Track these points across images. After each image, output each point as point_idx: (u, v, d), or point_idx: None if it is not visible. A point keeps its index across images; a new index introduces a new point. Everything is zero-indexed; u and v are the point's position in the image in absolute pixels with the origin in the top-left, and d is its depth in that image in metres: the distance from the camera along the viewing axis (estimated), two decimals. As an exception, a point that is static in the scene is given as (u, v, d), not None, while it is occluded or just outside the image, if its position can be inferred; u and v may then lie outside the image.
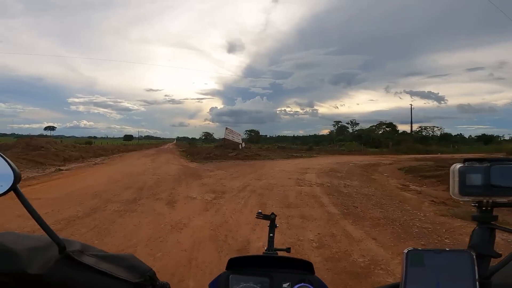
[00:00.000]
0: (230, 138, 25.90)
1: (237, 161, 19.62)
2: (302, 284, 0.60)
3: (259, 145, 46.09)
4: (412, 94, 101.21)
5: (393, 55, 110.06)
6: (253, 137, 78.81)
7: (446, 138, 59.27)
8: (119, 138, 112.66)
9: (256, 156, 22.98)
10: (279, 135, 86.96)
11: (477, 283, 0.49)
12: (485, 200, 0.59)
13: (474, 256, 0.52)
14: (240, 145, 25.57)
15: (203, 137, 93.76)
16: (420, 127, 63.79)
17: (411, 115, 55.47)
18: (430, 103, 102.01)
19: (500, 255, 0.56)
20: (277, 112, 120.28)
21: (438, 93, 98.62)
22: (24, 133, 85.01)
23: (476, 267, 0.51)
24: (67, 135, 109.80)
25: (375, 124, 65.14)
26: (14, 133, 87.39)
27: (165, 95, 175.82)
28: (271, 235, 1.12)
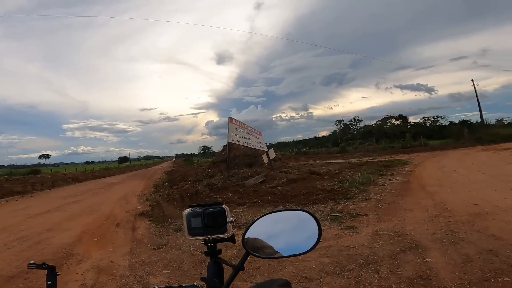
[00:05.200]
0: (242, 141, 12.23)
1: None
2: None
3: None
4: (402, 87, 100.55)
5: (379, 51, 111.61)
6: (254, 145, 68.55)
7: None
8: (116, 161, 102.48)
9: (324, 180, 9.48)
10: (278, 142, 79.39)
11: None
12: (207, 238, 0.79)
13: None
14: (266, 155, 12.10)
15: (201, 151, 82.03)
16: (423, 117, 59.06)
17: (477, 98, 40.19)
18: (421, 95, 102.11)
19: (221, 287, 0.73)
20: (273, 119, 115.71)
21: (427, 85, 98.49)
22: (22, 163, 74.50)
23: None
24: (66, 162, 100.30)
25: (380, 119, 61.12)
26: (13, 164, 76.38)
27: (160, 113, 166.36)
28: (49, 283, 0.88)
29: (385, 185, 8.25)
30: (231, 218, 0.80)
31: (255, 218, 0.81)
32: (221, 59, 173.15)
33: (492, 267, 2.74)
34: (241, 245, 0.79)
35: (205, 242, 0.80)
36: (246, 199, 7.59)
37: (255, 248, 0.78)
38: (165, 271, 3.57)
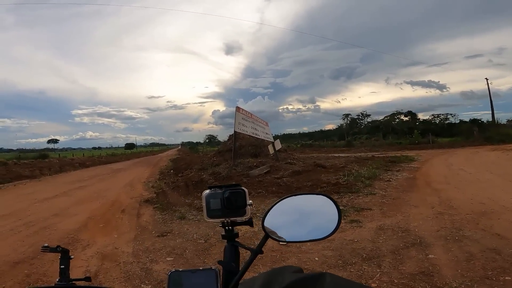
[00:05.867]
0: (249, 131, 12.30)
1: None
2: None
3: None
4: (413, 84, 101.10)
5: (391, 46, 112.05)
6: (260, 136, 68.62)
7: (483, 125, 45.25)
8: (122, 147, 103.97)
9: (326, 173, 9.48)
10: (284, 133, 79.89)
11: None
12: (225, 221, 0.77)
13: (220, 273, 0.69)
14: (271, 146, 12.12)
15: (207, 140, 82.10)
16: (433, 115, 57.80)
17: (490, 97, 38.82)
18: (433, 92, 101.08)
19: (238, 271, 0.71)
20: (280, 110, 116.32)
21: (439, 82, 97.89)
22: (31, 148, 75.82)
23: (219, 284, 0.66)
24: (74, 147, 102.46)
25: (388, 115, 59.69)
26: (21, 148, 77.70)
27: (167, 101, 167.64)
28: (62, 266, 0.86)
29: (390, 181, 8.19)
30: (250, 201, 0.79)
31: (275, 201, 0.79)
32: (229, 50, 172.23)
33: (495, 266, 2.72)
34: (262, 228, 0.77)
35: (223, 225, 0.78)
36: (250, 189, 7.60)
37: (274, 232, 0.77)
38: (168, 259, 3.62)
